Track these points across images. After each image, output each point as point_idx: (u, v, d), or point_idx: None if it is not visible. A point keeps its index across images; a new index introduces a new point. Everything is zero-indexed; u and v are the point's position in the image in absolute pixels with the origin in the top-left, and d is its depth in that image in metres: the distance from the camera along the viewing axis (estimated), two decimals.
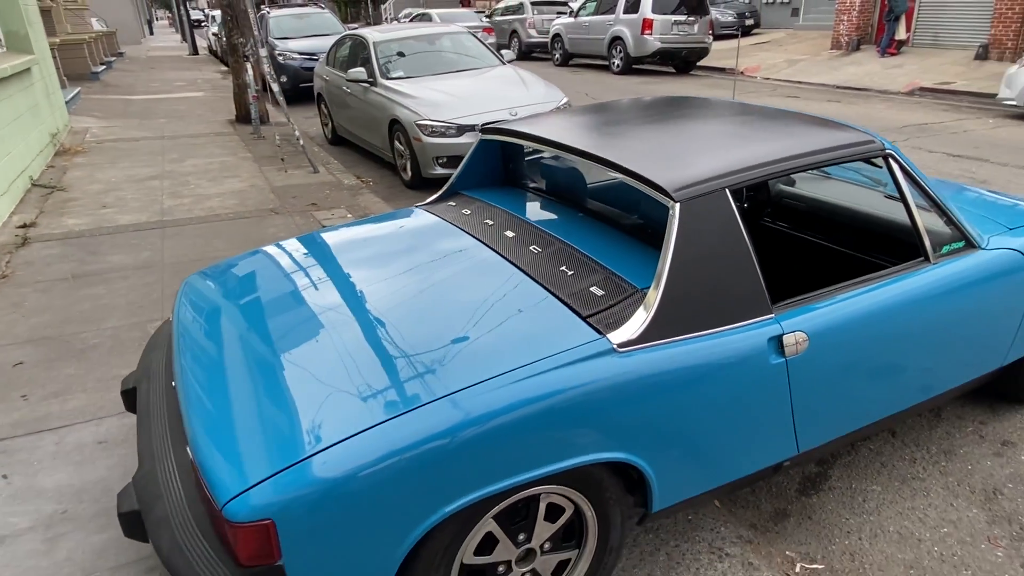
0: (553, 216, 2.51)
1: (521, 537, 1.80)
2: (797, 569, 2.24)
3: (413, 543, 1.56)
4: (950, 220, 2.31)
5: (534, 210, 2.59)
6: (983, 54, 12.30)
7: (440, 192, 2.98)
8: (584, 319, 1.83)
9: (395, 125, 6.67)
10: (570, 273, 2.05)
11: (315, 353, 1.84)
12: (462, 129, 6.24)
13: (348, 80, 7.51)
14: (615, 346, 1.74)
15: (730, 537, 2.34)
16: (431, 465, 1.53)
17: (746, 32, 19.31)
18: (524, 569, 1.84)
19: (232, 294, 2.32)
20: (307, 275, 2.33)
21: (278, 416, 1.63)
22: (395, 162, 6.96)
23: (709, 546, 2.30)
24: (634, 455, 1.77)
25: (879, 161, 2.27)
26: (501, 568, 1.80)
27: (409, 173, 6.64)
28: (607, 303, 1.88)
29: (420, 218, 2.70)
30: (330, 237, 2.68)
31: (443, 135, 6.23)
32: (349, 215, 5.69)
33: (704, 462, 1.93)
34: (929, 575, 2.19)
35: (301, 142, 7.24)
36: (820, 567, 2.25)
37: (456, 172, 2.97)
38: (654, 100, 2.89)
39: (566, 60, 16.50)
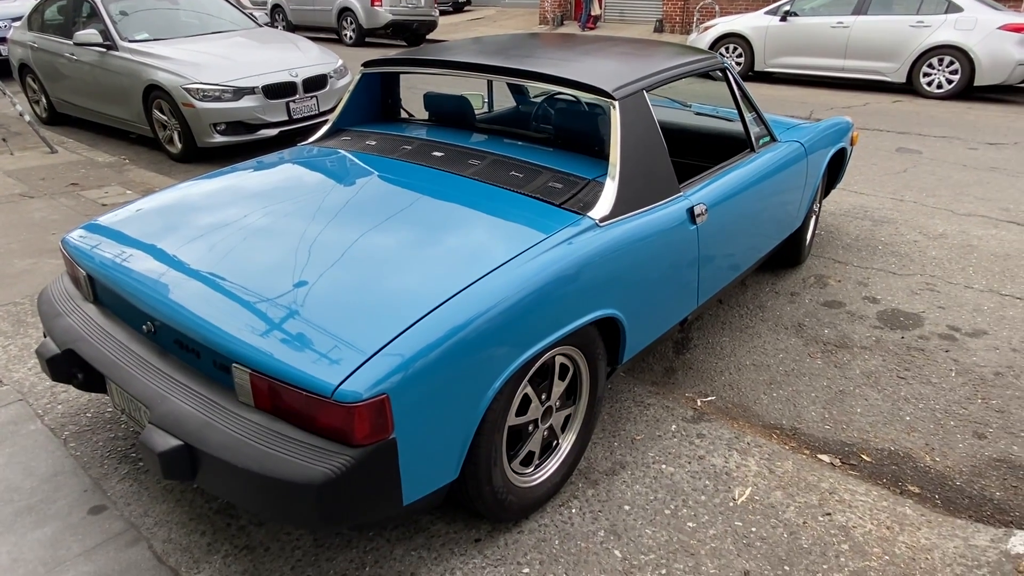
0: (465, 138, 2.70)
1: (543, 397, 2.04)
2: (698, 403, 2.81)
3: (488, 404, 1.73)
4: (760, 119, 3.03)
5: (442, 135, 2.75)
6: (660, 27, 14.75)
7: (323, 131, 2.94)
8: (559, 207, 2.11)
9: (153, 92, 5.97)
10: (520, 176, 2.29)
11: (325, 249, 1.84)
12: (240, 92, 5.84)
13: (74, 45, 6.46)
14: (597, 221, 2.06)
15: (643, 393, 2.83)
16: (497, 330, 1.70)
17: (459, 8, 20.33)
18: (544, 426, 2.09)
19: (174, 224, 2.12)
20: (259, 201, 2.22)
21: (335, 299, 1.64)
22: (155, 135, 6.23)
23: (633, 402, 2.77)
24: (616, 309, 2.12)
25: (716, 74, 2.88)
26: (530, 427, 2.03)
27: (179, 145, 6.02)
28: (570, 192, 2.18)
29: (330, 152, 2.67)
30: (241, 175, 2.52)
31: (218, 99, 5.77)
32: (129, 192, 5.05)
33: (654, 314, 2.36)
34: (784, 384, 2.92)
35: (27, 118, 6.08)
36: (713, 398, 2.85)
37: (338, 110, 2.96)
38: (521, 34, 3.19)
39: (292, 31, 15.76)
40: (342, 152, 2.64)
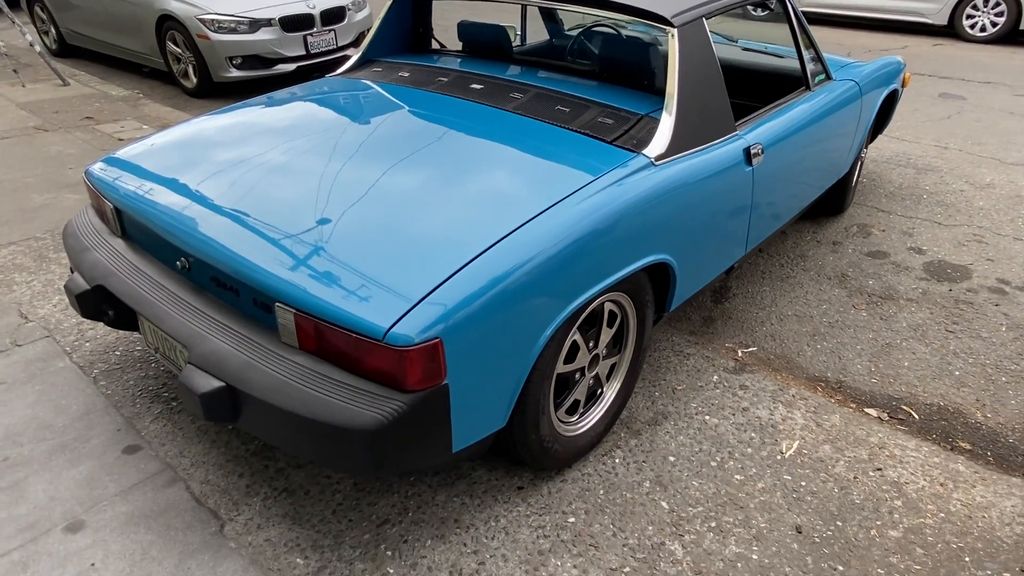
0: (503, 70, 2.54)
1: (591, 344, 1.95)
2: (739, 354, 2.72)
3: (539, 351, 1.64)
4: (817, 56, 2.84)
5: (479, 67, 2.59)
6: None
7: (352, 62, 2.78)
8: (611, 143, 1.98)
9: (167, 23, 5.76)
10: (567, 111, 2.15)
11: (362, 188, 1.74)
12: (256, 24, 5.62)
13: None
14: (652, 160, 1.93)
15: (682, 343, 2.75)
16: (549, 275, 1.60)
17: None
18: (591, 374, 2.01)
19: (201, 158, 2.01)
20: (288, 134, 2.10)
21: (376, 241, 1.55)
22: (169, 68, 6.05)
23: (672, 352, 2.68)
24: (668, 254, 2.01)
25: (774, 4, 2.69)
26: (577, 375, 1.95)
27: (194, 79, 5.84)
28: (622, 128, 2.04)
29: (361, 84, 2.52)
30: (268, 108, 2.39)
31: (234, 31, 5.56)
32: (145, 127, 4.91)
33: (704, 260, 2.24)
34: (827, 336, 2.82)
35: (38, 49, 5.89)
36: (754, 349, 2.76)
37: (367, 40, 2.79)
38: None
39: None
40: (374, 84, 2.49)
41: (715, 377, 2.54)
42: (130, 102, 5.52)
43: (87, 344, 2.53)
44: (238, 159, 1.98)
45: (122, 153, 2.17)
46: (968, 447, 2.27)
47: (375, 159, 1.90)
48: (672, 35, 2.05)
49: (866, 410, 2.43)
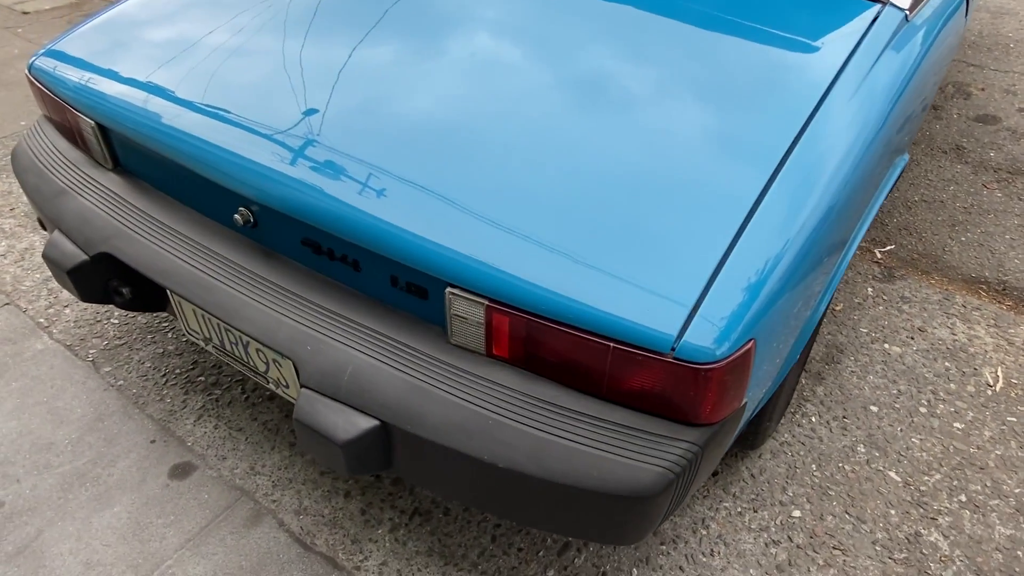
0: None
1: None
2: (878, 255, 2.27)
3: (820, 315, 1.13)
4: None
5: None
6: None
7: None
8: None
9: None
10: None
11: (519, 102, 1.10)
12: None
13: None
14: (907, 11, 1.33)
15: None
16: (840, 206, 1.05)
17: None
18: None
19: (223, 22, 1.29)
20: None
21: (582, 188, 0.95)
22: None
23: None
24: (906, 154, 1.47)
25: None
26: None
27: None
28: None
29: None
30: None
31: None
32: None
33: (916, 131, 1.72)
34: (969, 225, 2.39)
35: None
36: (892, 247, 2.31)
37: None
38: None
39: None
40: None
41: (869, 289, 2.10)
42: None
43: (67, 311, 1.86)
44: (289, 27, 1.27)
45: (82, 34, 1.42)
46: None
47: (517, 46, 1.23)
48: None
49: None
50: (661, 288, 0.85)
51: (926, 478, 1.54)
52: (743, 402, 0.93)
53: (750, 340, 0.85)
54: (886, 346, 1.89)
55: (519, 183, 0.97)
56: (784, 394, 1.29)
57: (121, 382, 1.66)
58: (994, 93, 3.13)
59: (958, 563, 1.37)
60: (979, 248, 2.30)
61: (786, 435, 1.62)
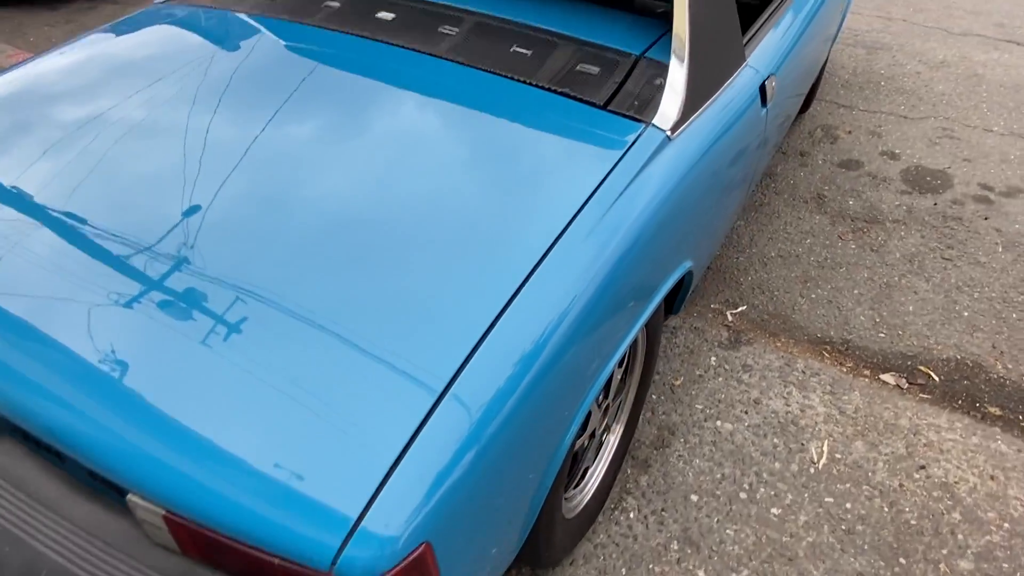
0: None
1: (600, 398, 1.45)
2: (729, 318, 2.31)
3: (558, 468, 1.11)
4: None
5: None
6: None
7: None
8: (606, 108, 1.36)
9: None
10: (528, 52, 1.49)
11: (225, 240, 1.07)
12: None
13: None
14: (668, 132, 1.34)
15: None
16: (576, 347, 1.05)
17: None
18: (601, 429, 1.53)
19: None
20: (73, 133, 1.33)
21: (260, 357, 0.92)
22: None
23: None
24: (691, 259, 1.48)
25: None
26: (586, 442, 1.45)
27: None
28: (612, 79, 1.42)
29: (211, 14, 1.70)
30: (42, 70, 1.55)
31: None
32: None
33: (718, 236, 1.74)
34: (820, 281, 2.44)
35: None
36: (744, 308, 2.35)
37: None
38: None
39: None
40: (231, 15, 1.69)
41: (712, 359, 2.12)
42: None
43: None
44: None
45: None
46: (998, 412, 2.00)
47: (224, 169, 1.20)
48: None
49: (882, 377, 2.10)
50: (327, 495, 0.82)
51: (733, 575, 1.55)
52: None
53: (421, 545, 0.83)
54: (718, 423, 1.91)
55: (176, 378, 0.94)
56: (541, 536, 1.27)
57: None
58: (860, 136, 3.23)
59: None
60: (827, 305, 2.36)
61: (602, 535, 1.62)
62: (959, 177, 2.95)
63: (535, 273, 1.04)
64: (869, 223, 2.71)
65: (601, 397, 1.45)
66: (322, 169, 1.20)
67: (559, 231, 1.11)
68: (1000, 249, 2.58)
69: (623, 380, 1.61)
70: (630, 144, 1.28)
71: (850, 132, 3.25)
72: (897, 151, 3.11)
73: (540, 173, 1.20)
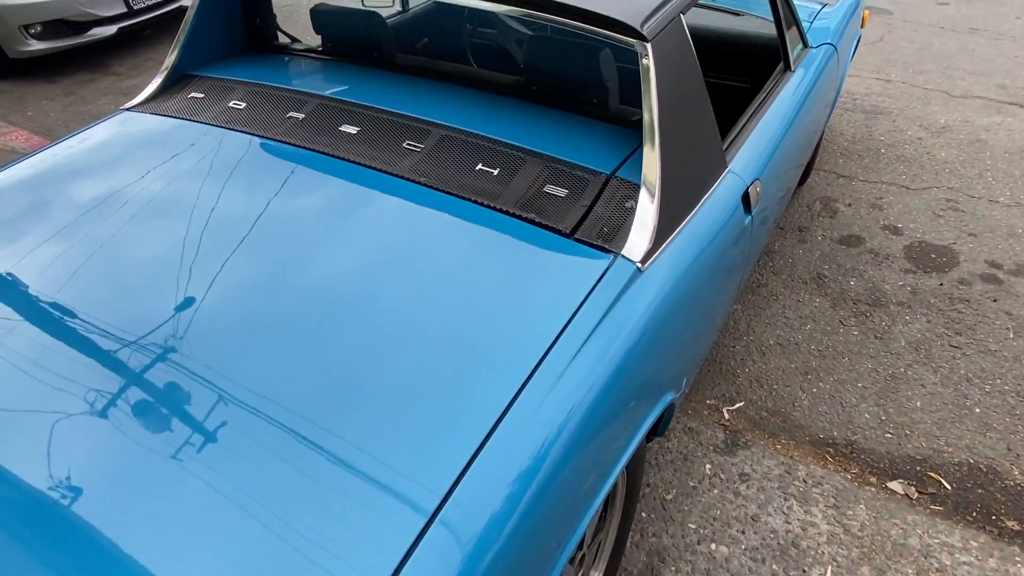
0: (387, 89, 1.74)
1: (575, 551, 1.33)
2: (726, 415, 2.19)
3: None
4: (796, 22, 2.18)
5: (352, 83, 1.76)
6: None
7: (158, 82, 1.88)
8: (572, 237, 1.28)
9: None
10: (494, 171, 1.42)
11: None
12: None
13: None
14: (638, 264, 1.25)
15: None
16: (528, 522, 0.94)
17: None
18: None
19: None
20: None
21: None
22: None
23: None
24: (671, 391, 1.38)
25: None
26: None
27: None
28: (583, 204, 1.34)
29: (174, 126, 1.66)
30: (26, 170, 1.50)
31: None
32: None
33: (698, 358, 1.64)
34: (822, 372, 2.32)
35: None
36: (741, 404, 2.23)
37: (179, 43, 1.88)
38: None
39: None
40: (194, 125, 1.64)
41: (707, 467, 2.00)
42: None
43: None
44: None
45: None
46: (1017, 527, 1.85)
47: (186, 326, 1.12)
48: (645, 51, 1.32)
49: (890, 485, 1.96)
50: None
51: None
52: None
53: None
54: (713, 547, 1.78)
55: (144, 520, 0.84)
56: None
57: None
58: (860, 209, 3.14)
59: None
60: (830, 401, 2.23)
61: None
62: (965, 254, 2.84)
63: (490, 438, 0.95)
64: (872, 306, 2.60)
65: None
66: (267, 320, 1.12)
67: (519, 384, 1.01)
68: (1011, 335, 2.45)
69: (603, 517, 1.49)
70: (598, 278, 1.20)
71: (850, 205, 3.16)
72: (899, 225, 3.01)
73: (499, 316, 1.11)
